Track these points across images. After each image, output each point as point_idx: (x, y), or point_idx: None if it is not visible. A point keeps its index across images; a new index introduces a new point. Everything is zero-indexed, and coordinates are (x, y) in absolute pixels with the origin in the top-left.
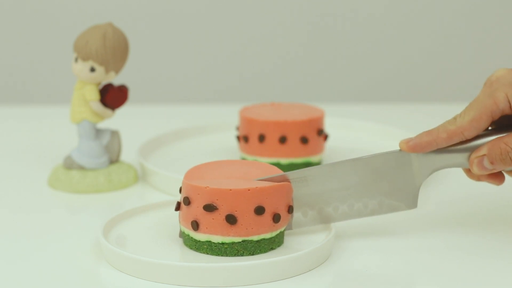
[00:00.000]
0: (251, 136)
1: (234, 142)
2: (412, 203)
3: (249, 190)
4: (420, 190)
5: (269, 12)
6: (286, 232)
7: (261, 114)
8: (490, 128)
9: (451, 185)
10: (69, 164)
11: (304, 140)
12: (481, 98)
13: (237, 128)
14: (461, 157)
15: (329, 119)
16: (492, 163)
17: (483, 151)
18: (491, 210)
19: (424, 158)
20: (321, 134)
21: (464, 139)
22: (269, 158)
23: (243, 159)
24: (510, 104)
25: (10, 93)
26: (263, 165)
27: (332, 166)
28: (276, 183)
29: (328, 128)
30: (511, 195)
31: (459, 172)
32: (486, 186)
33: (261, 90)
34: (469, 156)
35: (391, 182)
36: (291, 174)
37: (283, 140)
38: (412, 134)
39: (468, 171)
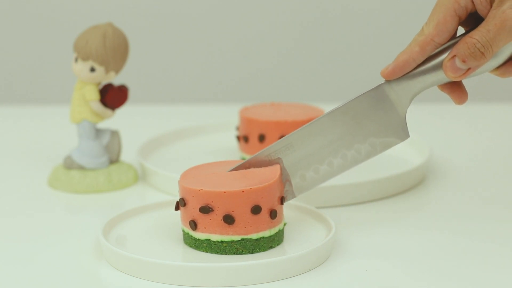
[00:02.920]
0: (251, 136)
1: (234, 142)
2: (403, 134)
3: (243, 191)
4: (421, 189)
5: (269, 12)
6: (285, 229)
7: (261, 114)
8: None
9: (451, 185)
10: (69, 164)
11: None
12: (442, 0)
13: (237, 128)
14: (434, 75)
15: None
16: (463, 61)
17: (453, 52)
18: (493, 211)
19: (399, 87)
20: None
21: (437, 46)
22: None
23: (243, 159)
24: None
25: (10, 93)
26: None
27: (312, 124)
28: (269, 182)
29: None
30: (510, 196)
31: (460, 172)
32: (487, 186)
33: (261, 90)
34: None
35: (375, 121)
36: (274, 146)
37: None
38: (410, 134)
39: (441, 86)
